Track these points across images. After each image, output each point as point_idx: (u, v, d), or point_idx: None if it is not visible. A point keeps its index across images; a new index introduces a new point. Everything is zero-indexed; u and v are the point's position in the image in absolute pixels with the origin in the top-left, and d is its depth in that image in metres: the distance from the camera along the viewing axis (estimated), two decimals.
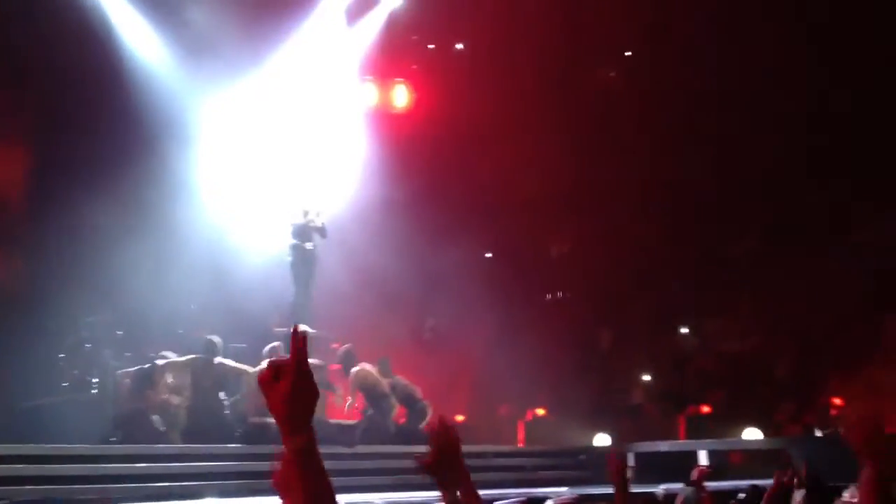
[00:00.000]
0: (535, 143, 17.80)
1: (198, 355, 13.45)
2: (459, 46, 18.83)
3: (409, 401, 14.44)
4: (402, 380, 14.55)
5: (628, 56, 19.25)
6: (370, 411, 14.21)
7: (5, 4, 14.55)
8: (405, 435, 13.94)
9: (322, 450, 3.23)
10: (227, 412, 13.50)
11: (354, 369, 14.05)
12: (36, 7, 14.68)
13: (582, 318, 17.66)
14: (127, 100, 15.94)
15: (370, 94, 18.80)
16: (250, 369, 13.32)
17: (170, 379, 13.10)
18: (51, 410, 12.93)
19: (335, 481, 3.23)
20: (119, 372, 13.37)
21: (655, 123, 17.97)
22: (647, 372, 17.76)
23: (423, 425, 14.16)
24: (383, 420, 14.13)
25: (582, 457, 15.01)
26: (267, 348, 13.43)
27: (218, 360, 13.44)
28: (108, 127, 15.79)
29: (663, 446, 14.39)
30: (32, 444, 11.48)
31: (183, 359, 13.48)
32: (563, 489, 13.72)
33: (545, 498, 11.91)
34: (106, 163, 15.35)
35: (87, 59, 15.46)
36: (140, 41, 16.53)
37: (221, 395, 13.56)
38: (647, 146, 17.84)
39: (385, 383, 14.18)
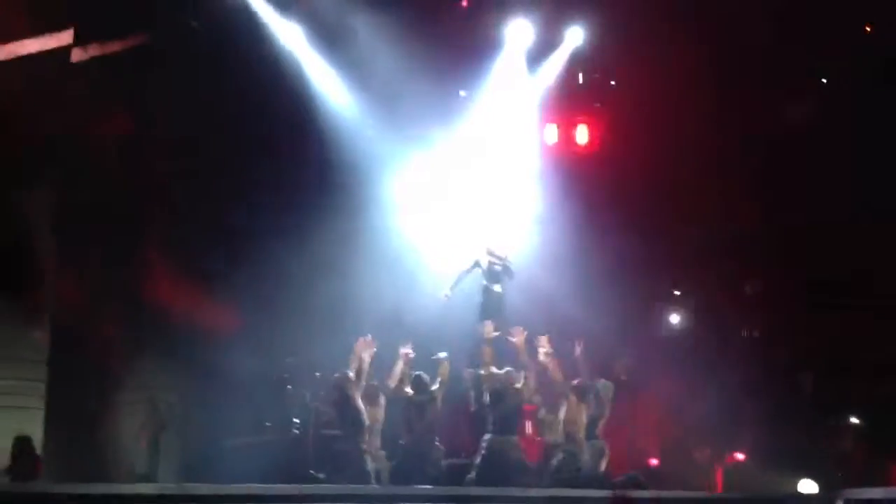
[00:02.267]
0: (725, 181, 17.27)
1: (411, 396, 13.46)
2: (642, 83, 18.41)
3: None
4: None
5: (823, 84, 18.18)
6: (561, 454, 13.87)
7: (198, 62, 15.12)
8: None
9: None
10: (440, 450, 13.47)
11: None
12: (230, 62, 15.21)
13: (781, 359, 16.87)
14: (318, 148, 16.40)
15: (552, 134, 18.75)
16: None
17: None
18: (254, 449, 13.19)
19: None
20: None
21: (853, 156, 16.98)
22: (856, 414, 16.78)
23: (602, 466, 13.84)
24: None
25: None
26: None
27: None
28: (300, 176, 16.28)
29: (876, 493, 13.32)
30: (239, 485, 11.66)
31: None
32: None
33: None
34: (298, 209, 15.80)
35: (280, 107, 15.98)
36: (330, 89, 17.02)
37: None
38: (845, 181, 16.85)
39: None
